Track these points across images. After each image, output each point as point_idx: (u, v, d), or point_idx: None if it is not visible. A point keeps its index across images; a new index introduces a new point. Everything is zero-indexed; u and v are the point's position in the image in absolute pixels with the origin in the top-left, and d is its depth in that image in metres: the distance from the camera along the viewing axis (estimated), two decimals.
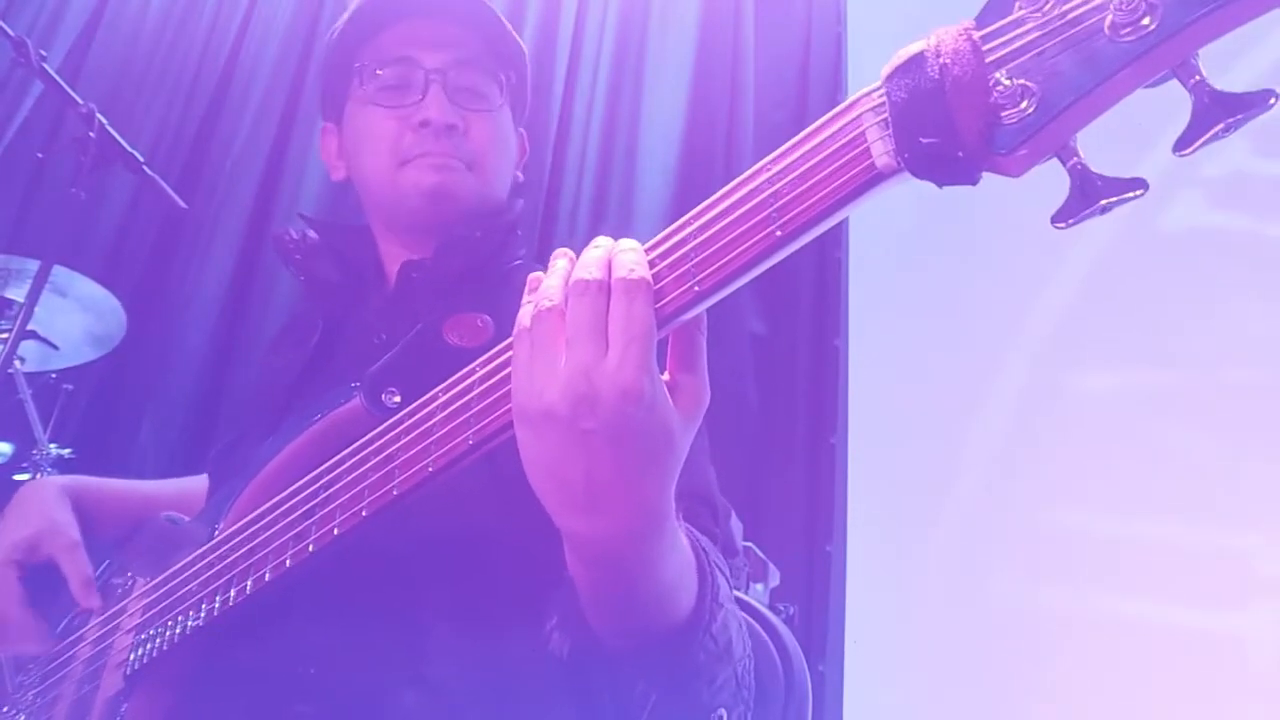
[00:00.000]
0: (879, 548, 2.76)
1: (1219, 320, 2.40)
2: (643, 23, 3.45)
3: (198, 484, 1.30)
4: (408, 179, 1.11)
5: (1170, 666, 2.30)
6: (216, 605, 0.88)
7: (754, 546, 2.30)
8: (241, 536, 0.90)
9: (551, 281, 0.66)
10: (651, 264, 0.64)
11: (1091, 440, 2.52)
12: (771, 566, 2.34)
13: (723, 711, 0.75)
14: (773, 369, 2.92)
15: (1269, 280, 2.34)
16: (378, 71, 1.14)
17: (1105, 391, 2.60)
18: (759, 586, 2.29)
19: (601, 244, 0.66)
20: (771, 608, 1.87)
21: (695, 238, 0.64)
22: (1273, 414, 2.30)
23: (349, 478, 0.81)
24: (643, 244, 0.67)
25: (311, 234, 1.21)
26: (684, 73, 3.35)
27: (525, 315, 0.66)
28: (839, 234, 3.02)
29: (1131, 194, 0.52)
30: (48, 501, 1.14)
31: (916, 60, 0.55)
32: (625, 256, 0.64)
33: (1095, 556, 2.42)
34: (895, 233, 2.99)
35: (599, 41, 3.45)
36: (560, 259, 0.68)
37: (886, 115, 0.56)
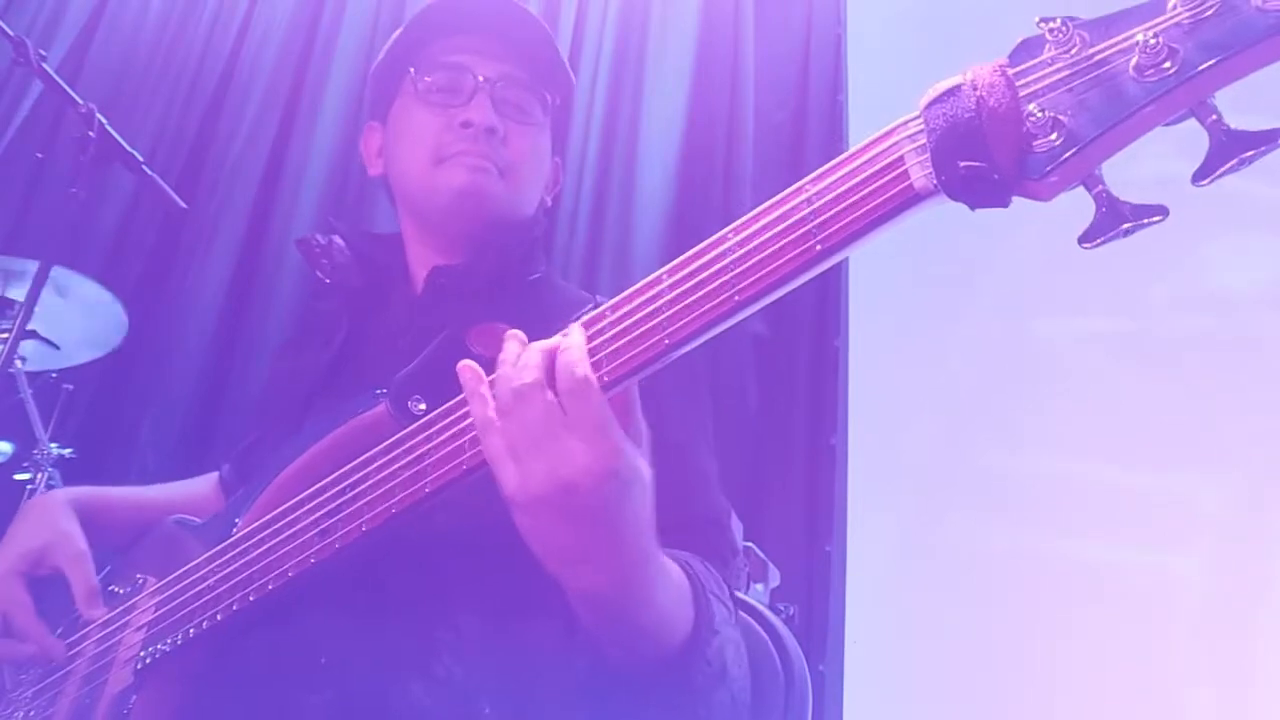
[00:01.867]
0: (879, 548, 2.76)
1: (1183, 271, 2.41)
2: (643, 23, 3.45)
3: (203, 486, 1.30)
4: (442, 175, 1.14)
5: (1174, 659, 2.30)
6: (235, 602, 0.89)
7: (754, 546, 2.30)
8: (263, 535, 0.91)
9: (504, 372, 0.73)
10: (695, 271, 0.69)
11: (1096, 440, 2.52)
12: (771, 566, 2.34)
13: None
14: (773, 369, 2.92)
15: (1225, 230, 2.35)
16: (430, 74, 1.18)
17: (1110, 391, 2.60)
18: (759, 586, 2.29)
19: (538, 346, 0.73)
20: (771, 608, 1.87)
21: (736, 250, 0.68)
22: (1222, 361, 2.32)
23: (377, 476, 0.84)
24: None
25: (338, 240, 1.22)
26: (684, 73, 3.35)
27: (484, 413, 0.73)
28: None
29: (1152, 219, 0.57)
30: (54, 513, 1.14)
31: (954, 93, 0.60)
32: (566, 356, 0.71)
33: (1096, 556, 2.42)
34: (895, 232, 2.99)
35: (599, 41, 3.45)
36: (512, 342, 0.75)
37: (924, 141, 0.60)
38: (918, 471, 2.76)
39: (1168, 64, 0.54)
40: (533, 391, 0.70)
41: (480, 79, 1.15)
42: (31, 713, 1.08)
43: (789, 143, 3.19)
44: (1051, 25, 0.58)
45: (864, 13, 3.31)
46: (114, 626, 1.04)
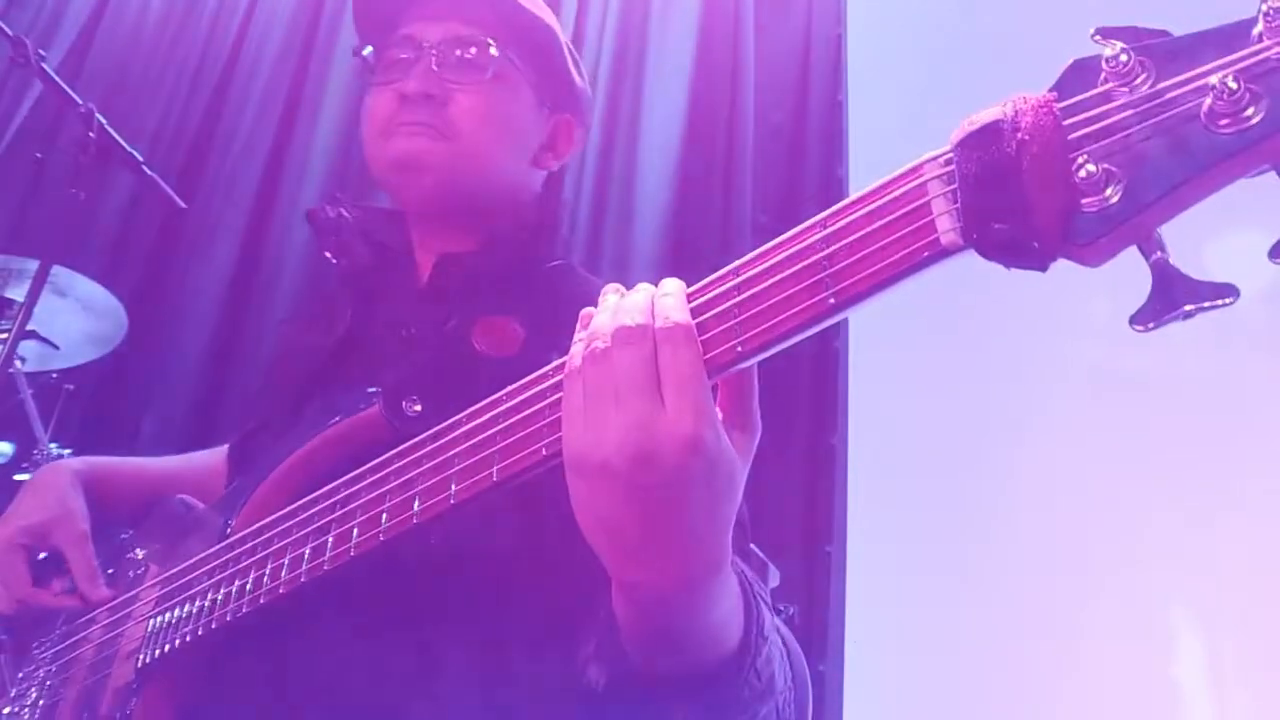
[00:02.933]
0: (879, 548, 2.75)
1: None
2: (643, 23, 3.45)
3: (214, 459, 1.29)
4: (383, 150, 1.10)
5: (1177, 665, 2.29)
6: (229, 614, 0.88)
7: (754, 546, 2.30)
8: (256, 543, 0.89)
9: (602, 320, 0.63)
10: (693, 314, 0.61)
11: (1097, 439, 2.52)
12: (771, 566, 2.34)
13: None
14: (773, 369, 2.91)
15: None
16: (384, 53, 1.15)
17: (1111, 390, 2.60)
18: None
19: (643, 288, 0.64)
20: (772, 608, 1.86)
21: (741, 292, 0.60)
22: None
23: (368, 497, 0.80)
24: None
25: (346, 214, 1.18)
26: (684, 73, 3.35)
27: (577, 355, 0.63)
28: None
29: (1221, 301, 0.48)
30: (62, 488, 1.13)
31: (992, 130, 0.50)
32: (665, 301, 0.62)
33: (1098, 554, 2.42)
34: None
35: (599, 41, 3.45)
36: (610, 294, 0.66)
37: (955, 187, 0.52)
38: (918, 471, 2.76)
39: (1250, 110, 0.44)
40: (633, 335, 0.60)
41: (427, 46, 1.10)
42: (45, 690, 1.08)
43: (789, 143, 3.19)
44: (1109, 54, 0.48)
45: (864, 13, 3.31)
46: (119, 615, 1.04)
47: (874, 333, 2.97)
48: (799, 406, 2.89)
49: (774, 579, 2.36)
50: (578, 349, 0.63)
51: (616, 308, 0.63)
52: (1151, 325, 0.50)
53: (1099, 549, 2.42)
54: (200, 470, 1.29)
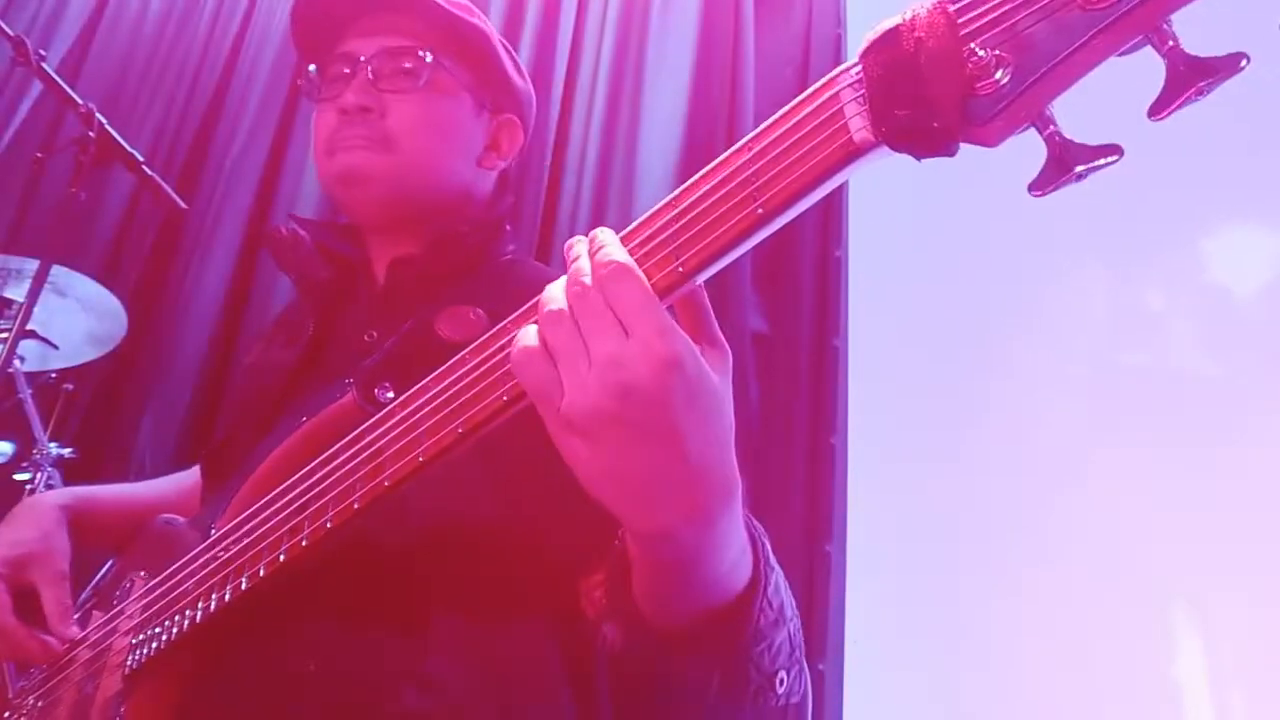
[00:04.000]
0: (879, 548, 2.75)
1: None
2: (643, 23, 3.45)
3: (193, 480, 1.30)
4: (327, 168, 1.13)
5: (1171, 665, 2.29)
6: (213, 603, 0.88)
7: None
8: (237, 535, 0.90)
9: (553, 291, 0.65)
10: (632, 251, 0.64)
11: (1095, 439, 2.52)
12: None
13: (782, 674, 0.74)
14: (773, 369, 2.92)
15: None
16: (325, 70, 1.18)
17: (1111, 389, 2.60)
18: None
19: (579, 249, 0.66)
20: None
21: (677, 221, 0.64)
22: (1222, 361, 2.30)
23: (340, 472, 0.81)
24: (622, 231, 0.66)
25: (301, 232, 1.21)
26: (684, 73, 3.35)
27: (530, 334, 0.64)
28: (839, 232, 3.01)
29: (1105, 160, 0.53)
30: (45, 523, 1.13)
31: (891, 34, 0.56)
32: (601, 251, 0.64)
33: (1098, 553, 2.42)
34: (896, 232, 2.99)
35: (599, 41, 3.45)
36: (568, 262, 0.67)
37: (864, 91, 0.57)
38: (918, 472, 2.76)
39: None
40: (582, 289, 0.62)
41: (362, 60, 1.13)
42: (32, 718, 1.08)
43: None
44: None
45: (864, 13, 3.31)
46: (105, 631, 1.04)
47: (874, 331, 2.97)
48: (799, 406, 2.88)
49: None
50: (530, 330, 0.65)
51: (565, 276, 0.65)
52: (1050, 189, 0.54)
53: (1099, 548, 2.42)
54: (184, 492, 1.29)
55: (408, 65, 1.13)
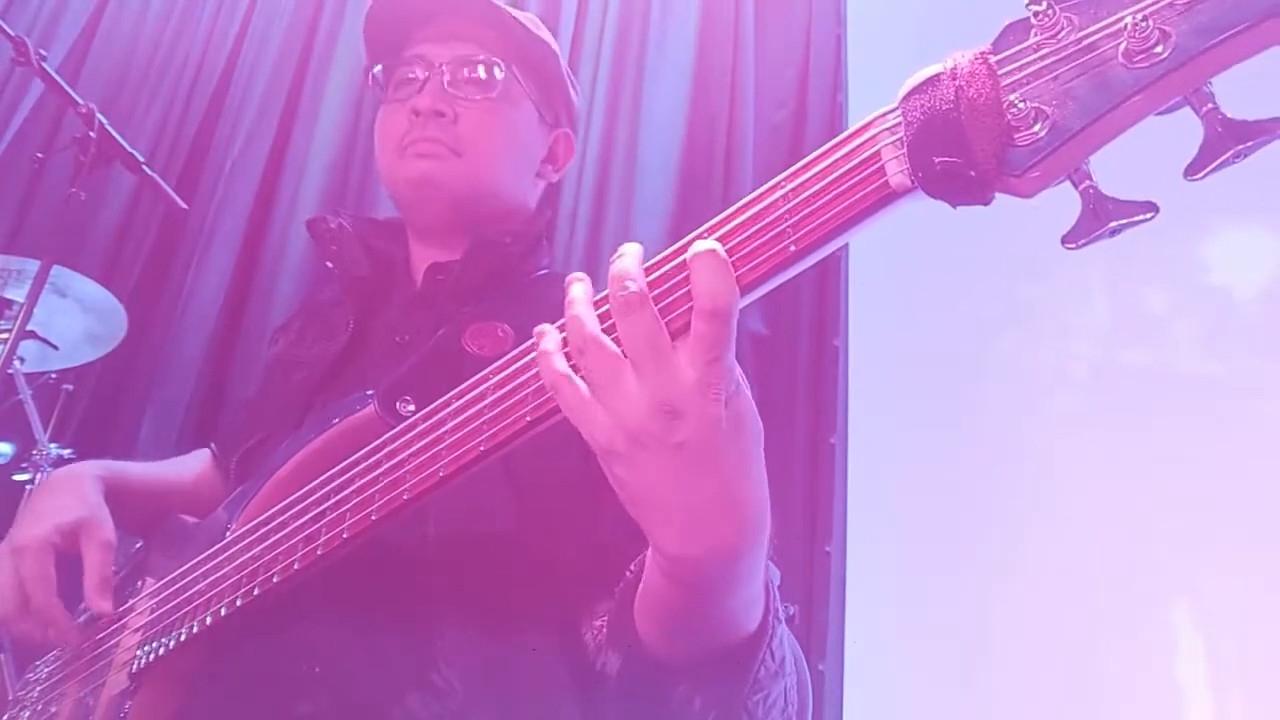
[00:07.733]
0: (879, 548, 2.75)
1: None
2: (643, 23, 3.45)
3: (200, 465, 1.30)
4: (400, 168, 1.14)
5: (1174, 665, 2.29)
6: (224, 607, 0.88)
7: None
8: (252, 539, 0.90)
9: (579, 311, 0.64)
10: (664, 277, 0.64)
11: (1095, 439, 2.52)
12: (771, 566, 2.34)
13: None
14: (773, 369, 2.92)
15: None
16: (395, 71, 1.19)
17: (1111, 389, 2.60)
18: None
19: (627, 265, 0.64)
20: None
21: None
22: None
23: (360, 482, 0.81)
24: (655, 253, 0.65)
25: (346, 225, 1.21)
26: (684, 73, 3.35)
27: (559, 363, 0.63)
28: None
29: (1142, 216, 0.53)
30: (88, 491, 1.11)
31: (933, 82, 0.56)
32: (619, 269, 0.63)
33: (1098, 553, 2.42)
34: (895, 232, 2.99)
35: (599, 41, 3.45)
36: (576, 284, 0.67)
37: (902, 135, 0.57)
38: (918, 471, 2.76)
39: (1159, 48, 0.50)
40: (632, 303, 0.61)
41: (437, 65, 1.15)
42: (38, 712, 1.08)
43: (789, 143, 3.19)
44: (1037, 8, 0.54)
45: (864, 13, 3.31)
46: (114, 628, 1.04)
47: (874, 331, 2.97)
48: (799, 406, 2.89)
49: (774, 579, 2.36)
50: (558, 359, 0.64)
51: (585, 303, 0.64)
52: (1083, 242, 0.55)
53: (1099, 548, 2.42)
54: (195, 478, 1.29)
55: (481, 75, 1.16)
